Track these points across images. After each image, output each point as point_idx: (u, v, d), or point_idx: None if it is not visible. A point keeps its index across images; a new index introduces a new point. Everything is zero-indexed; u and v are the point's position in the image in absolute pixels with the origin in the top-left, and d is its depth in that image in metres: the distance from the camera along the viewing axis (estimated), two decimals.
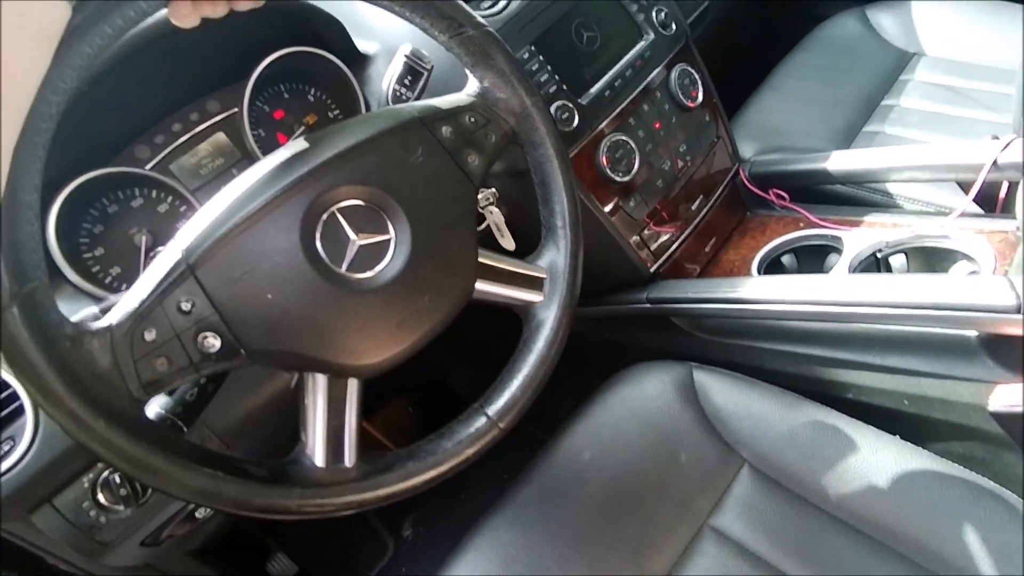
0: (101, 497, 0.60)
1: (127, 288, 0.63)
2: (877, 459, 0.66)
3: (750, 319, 0.79)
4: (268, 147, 0.70)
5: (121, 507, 0.60)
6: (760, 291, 0.75)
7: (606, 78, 0.79)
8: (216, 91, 0.68)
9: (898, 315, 0.65)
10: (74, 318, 0.46)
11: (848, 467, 0.66)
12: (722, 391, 0.76)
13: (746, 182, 0.95)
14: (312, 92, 0.73)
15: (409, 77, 0.66)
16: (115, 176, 0.62)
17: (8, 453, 0.55)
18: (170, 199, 0.65)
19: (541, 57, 0.74)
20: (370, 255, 0.46)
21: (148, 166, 0.65)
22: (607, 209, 0.81)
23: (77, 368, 0.38)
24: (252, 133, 0.68)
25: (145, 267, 0.63)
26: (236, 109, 0.67)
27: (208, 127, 0.68)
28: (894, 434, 0.68)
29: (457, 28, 0.51)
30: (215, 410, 0.56)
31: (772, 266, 0.88)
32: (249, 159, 0.69)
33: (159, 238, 0.64)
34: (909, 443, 0.67)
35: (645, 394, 0.76)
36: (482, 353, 1.17)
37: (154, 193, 0.65)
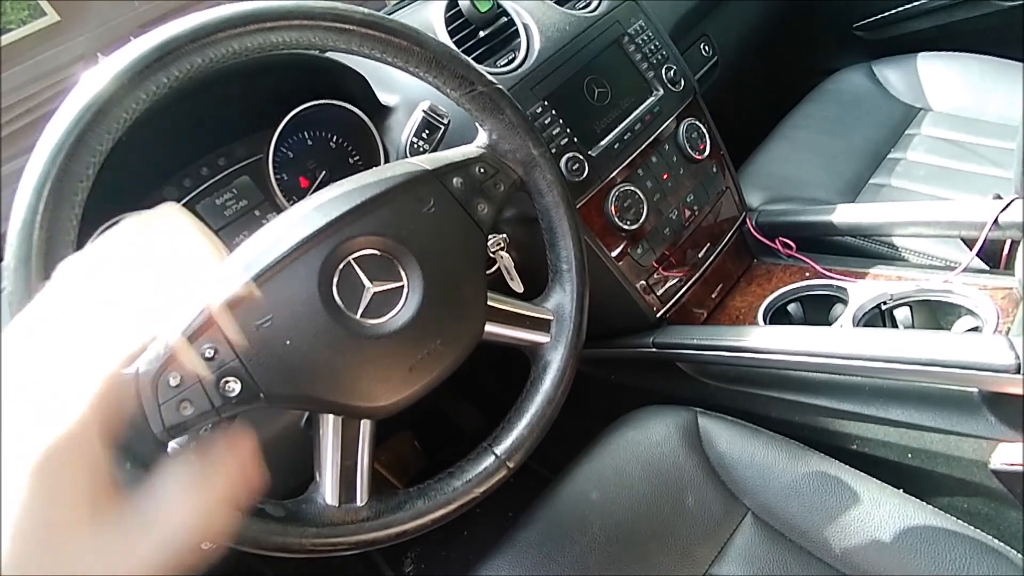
0: None
1: None
2: (880, 513, 0.66)
3: (756, 367, 0.79)
4: (290, 190, 0.73)
5: None
6: (766, 340, 0.76)
7: (616, 131, 0.82)
8: (244, 137, 0.72)
9: (900, 369, 0.66)
10: None
11: (851, 520, 0.66)
12: (727, 438, 0.76)
13: (753, 231, 0.97)
14: (334, 140, 0.76)
15: (427, 131, 0.69)
16: None
17: None
18: None
19: (553, 111, 0.77)
20: (384, 302, 0.48)
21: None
22: (614, 255, 0.83)
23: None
24: (275, 177, 0.71)
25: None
26: (261, 155, 0.71)
27: (234, 171, 0.71)
28: (898, 487, 0.68)
29: (468, 86, 0.54)
30: None
31: (778, 314, 0.89)
32: (271, 201, 0.72)
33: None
34: (912, 497, 0.67)
35: (649, 439, 0.77)
36: (485, 389, 1.18)
37: None
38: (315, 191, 0.74)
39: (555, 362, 0.56)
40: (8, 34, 1.05)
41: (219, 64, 0.46)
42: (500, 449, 0.53)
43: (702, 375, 0.87)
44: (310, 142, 0.76)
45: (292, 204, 0.73)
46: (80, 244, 0.61)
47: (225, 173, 0.71)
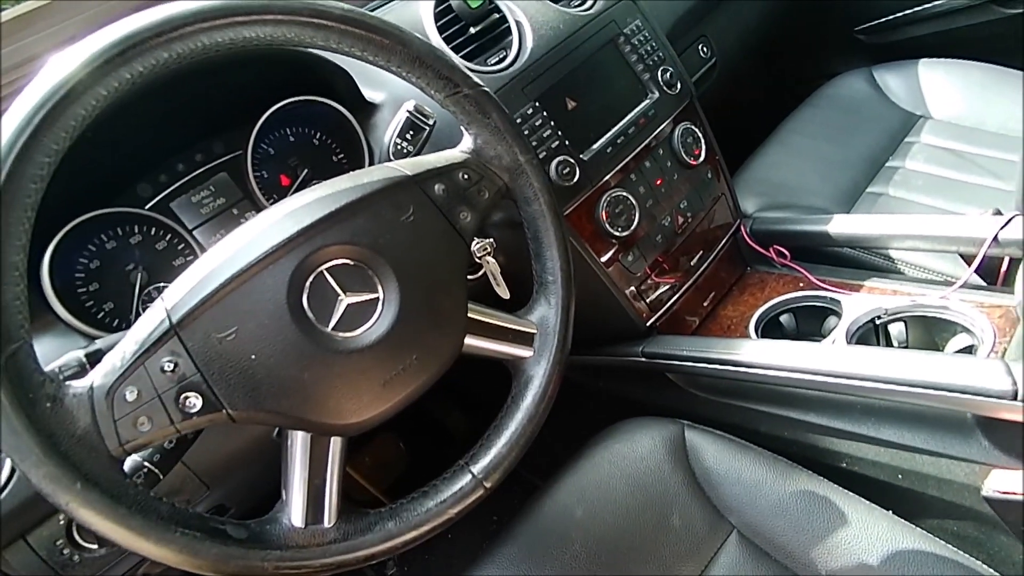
0: (76, 535, 0.59)
1: (118, 325, 0.64)
2: (868, 535, 0.64)
3: (746, 381, 0.78)
4: (270, 189, 0.71)
5: (96, 546, 0.60)
6: (757, 354, 0.75)
7: (609, 135, 0.80)
8: (222, 133, 0.69)
9: (894, 390, 0.64)
10: (57, 363, 0.46)
11: (839, 541, 0.65)
12: (714, 453, 0.74)
13: (747, 238, 0.95)
14: (317, 137, 0.73)
15: (411, 132, 0.67)
16: (114, 215, 0.62)
17: None
18: (168, 237, 0.66)
19: (545, 113, 0.75)
20: (358, 314, 0.46)
21: (149, 204, 0.65)
22: (603, 261, 0.81)
23: (56, 430, 0.38)
24: (255, 175, 0.69)
25: (137, 305, 0.64)
26: (240, 151, 0.68)
27: (212, 167, 0.69)
28: (887, 508, 0.67)
29: (453, 88, 0.52)
30: (196, 451, 0.56)
31: (770, 325, 0.87)
32: (250, 199, 0.70)
33: (154, 276, 0.65)
34: (902, 519, 0.66)
35: (635, 452, 0.75)
36: (472, 393, 1.16)
37: (153, 231, 0.65)
38: (296, 190, 0.72)
39: (537, 377, 0.54)
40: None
41: (188, 60, 0.43)
42: (477, 468, 0.50)
43: (691, 386, 0.85)
44: (292, 139, 0.73)
45: (272, 203, 0.70)
46: (45, 244, 0.59)
47: (202, 170, 0.68)
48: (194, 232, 0.67)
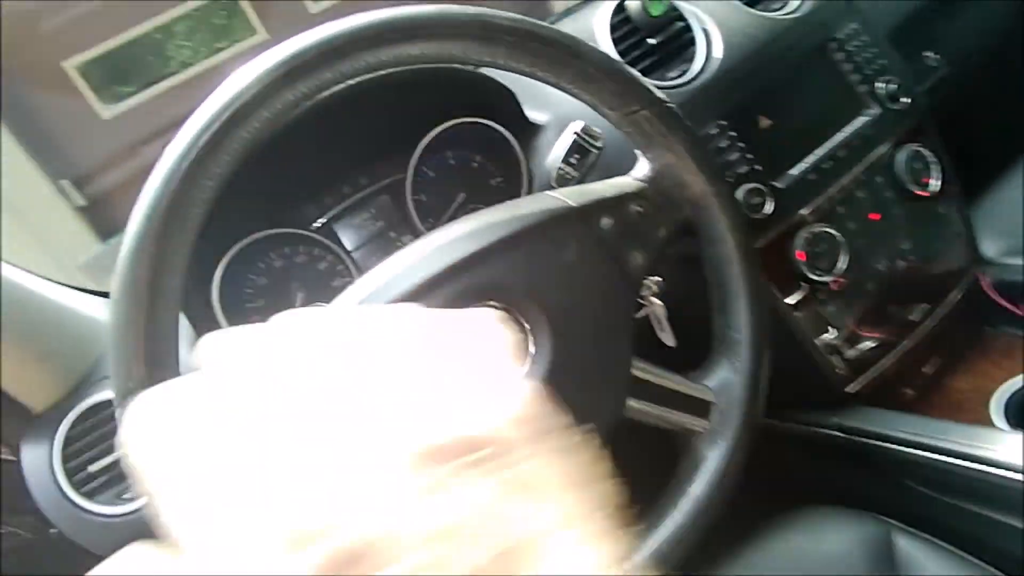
0: None
1: None
2: None
3: (987, 480, 0.59)
4: (426, 212, 0.69)
5: None
6: (1006, 450, 0.56)
7: (811, 158, 0.67)
8: (385, 155, 0.68)
9: None
10: None
11: None
12: (933, 569, 0.58)
13: (988, 290, 0.76)
14: (477, 160, 0.70)
15: (576, 155, 0.60)
16: (284, 235, 0.64)
17: None
18: (330, 258, 0.66)
19: (732, 133, 0.64)
20: None
21: (315, 224, 0.67)
22: (792, 303, 0.68)
23: None
24: (413, 199, 0.67)
25: None
26: (402, 175, 0.67)
27: (375, 190, 0.68)
28: None
29: (630, 106, 0.44)
30: None
31: (1021, 407, 0.67)
32: (406, 223, 0.68)
33: (312, 295, 0.65)
34: None
35: (823, 551, 0.61)
36: (623, 461, 1.06)
37: (316, 251, 0.66)
38: (453, 214, 0.70)
39: (712, 459, 0.44)
40: (223, 52, 1.13)
41: (352, 79, 0.41)
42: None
43: (904, 475, 0.68)
44: (452, 161, 0.71)
45: (428, 226, 0.69)
46: (212, 264, 0.62)
47: (366, 192, 0.69)
48: (352, 254, 0.67)
